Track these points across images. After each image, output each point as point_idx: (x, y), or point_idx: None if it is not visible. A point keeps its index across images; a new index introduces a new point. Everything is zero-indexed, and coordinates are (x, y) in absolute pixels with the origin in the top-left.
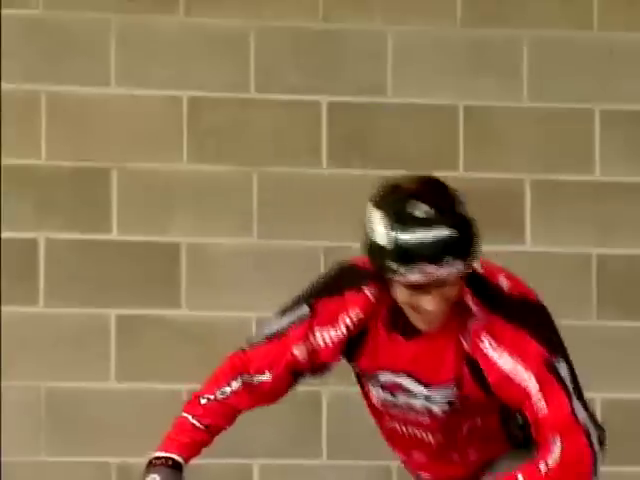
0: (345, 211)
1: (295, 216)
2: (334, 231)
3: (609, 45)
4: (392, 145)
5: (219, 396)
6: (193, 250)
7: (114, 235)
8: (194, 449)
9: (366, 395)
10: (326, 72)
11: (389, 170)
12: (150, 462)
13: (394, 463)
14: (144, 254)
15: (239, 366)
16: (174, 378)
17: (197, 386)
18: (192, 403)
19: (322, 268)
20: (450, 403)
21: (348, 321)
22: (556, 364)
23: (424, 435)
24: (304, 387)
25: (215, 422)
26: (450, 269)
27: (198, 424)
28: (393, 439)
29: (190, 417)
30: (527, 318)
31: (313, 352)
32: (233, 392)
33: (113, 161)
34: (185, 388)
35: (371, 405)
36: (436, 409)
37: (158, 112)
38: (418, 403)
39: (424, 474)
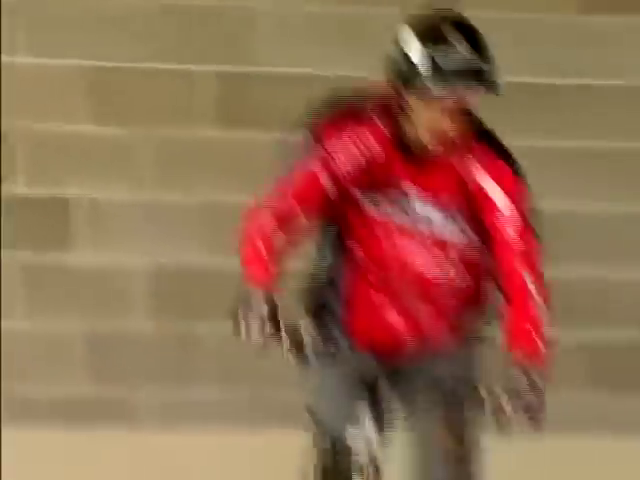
0: (228, 169)
1: (184, 173)
2: (218, 187)
3: None
4: (269, 110)
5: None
6: (89, 204)
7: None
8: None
9: (369, 226)
10: (214, 44)
11: (268, 133)
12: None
13: None
14: (42, 208)
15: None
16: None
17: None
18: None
19: (205, 223)
20: (447, 217)
21: (362, 147)
22: (527, 197)
23: (419, 262)
24: None
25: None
26: (475, 95)
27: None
28: (388, 282)
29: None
30: (514, 162)
31: (335, 179)
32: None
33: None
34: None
35: (372, 236)
36: (436, 220)
37: (62, 78)
38: (417, 215)
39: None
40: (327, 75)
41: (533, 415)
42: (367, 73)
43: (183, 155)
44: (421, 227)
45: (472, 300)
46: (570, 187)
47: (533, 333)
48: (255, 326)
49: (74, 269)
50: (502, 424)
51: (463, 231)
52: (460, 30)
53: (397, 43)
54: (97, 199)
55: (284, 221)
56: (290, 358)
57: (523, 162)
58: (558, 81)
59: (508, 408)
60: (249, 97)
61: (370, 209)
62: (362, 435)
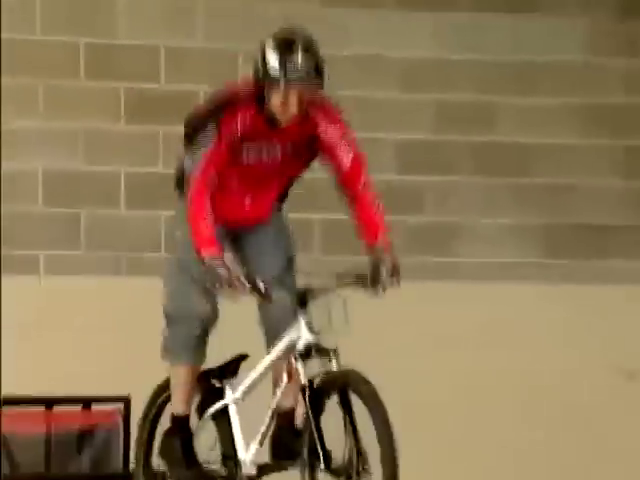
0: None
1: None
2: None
3: None
4: None
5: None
6: None
7: None
8: None
9: (240, 164)
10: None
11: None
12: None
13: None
14: None
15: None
16: None
17: None
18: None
19: None
20: (289, 152)
21: (239, 124)
22: (350, 133)
23: (264, 178)
24: None
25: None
26: (311, 85)
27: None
28: (233, 193)
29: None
30: (339, 117)
31: (227, 146)
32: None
33: None
34: None
35: (238, 169)
36: (280, 155)
37: None
38: (274, 153)
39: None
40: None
41: (398, 277)
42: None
43: None
44: (273, 160)
45: (284, 194)
46: None
47: (383, 226)
48: (227, 283)
49: None
50: (381, 287)
51: (293, 159)
52: (296, 40)
53: (262, 52)
54: None
55: (210, 193)
56: (254, 295)
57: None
58: None
59: (386, 277)
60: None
61: (244, 156)
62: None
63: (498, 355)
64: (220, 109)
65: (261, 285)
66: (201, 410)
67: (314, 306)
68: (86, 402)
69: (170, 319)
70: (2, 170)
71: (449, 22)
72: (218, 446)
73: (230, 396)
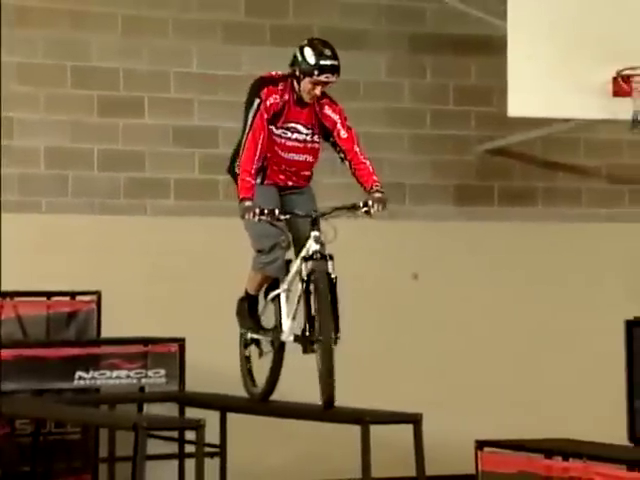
0: None
1: None
2: None
3: None
4: None
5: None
6: None
7: None
8: None
9: (276, 143)
10: None
11: None
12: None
13: None
14: None
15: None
16: None
17: None
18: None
19: None
20: (314, 135)
21: (276, 99)
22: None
23: (298, 157)
24: None
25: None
26: (333, 78)
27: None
28: (281, 164)
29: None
30: (337, 104)
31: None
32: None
33: None
34: None
35: (278, 148)
36: (308, 138)
37: None
38: (302, 136)
39: (288, 181)
40: None
41: (385, 205)
42: None
43: None
44: (300, 137)
45: (311, 167)
46: None
47: (373, 175)
48: (257, 215)
49: None
50: (369, 212)
51: (316, 138)
52: (325, 45)
53: (300, 49)
54: None
55: (259, 154)
56: (276, 224)
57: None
58: None
59: (375, 204)
60: None
61: (282, 135)
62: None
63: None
64: (262, 85)
65: (275, 211)
66: (265, 294)
67: (321, 226)
68: (72, 295)
69: (257, 250)
70: (15, 148)
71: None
72: (273, 319)
73: (282, 286)
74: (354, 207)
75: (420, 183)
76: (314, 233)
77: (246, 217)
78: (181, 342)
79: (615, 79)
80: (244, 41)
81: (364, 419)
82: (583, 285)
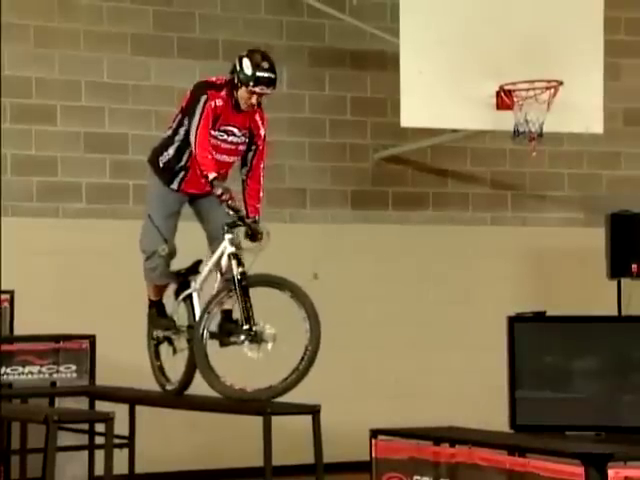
0: None
1: None
2: None
3: None
4: None
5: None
6: None
7: None
8: None
9: (211, 144)
10: None
11: None
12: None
13: None
14: None
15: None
16: None
17: None
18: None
19: None
20: (245, 139)
21: (218, 103)
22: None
23: (229, 159)
24: None
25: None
26: (268, 91)
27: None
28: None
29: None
30: (265, 118)
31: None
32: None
33: None
34: None
35: (212, 149)
36: (240, 141)
37: None
38: (236, 139)
39: (207, 186)
40: None
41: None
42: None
43: None
44: (234, 140)
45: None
46: None
47: (259, 205)
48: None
49: None
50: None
51: (246, 141)
52: (264, 58)
53: (239, 59)
54: None
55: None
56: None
57: None
58: None
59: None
60: None
61: (215, 134)
62: None
63: None
64: (207, 88)
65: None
66: (176, 295)
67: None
68: None
69: (145, 254)
70: None
71: (211, 69)
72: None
73: (193, 286)
74: (247, 234)
75: (320, 188)
76: (228, 236)
77: (224, 197)
78: (91, 338)
79: (498, 93)
80: (152, 53)
81: (266, 410)
82: (470, 283)
